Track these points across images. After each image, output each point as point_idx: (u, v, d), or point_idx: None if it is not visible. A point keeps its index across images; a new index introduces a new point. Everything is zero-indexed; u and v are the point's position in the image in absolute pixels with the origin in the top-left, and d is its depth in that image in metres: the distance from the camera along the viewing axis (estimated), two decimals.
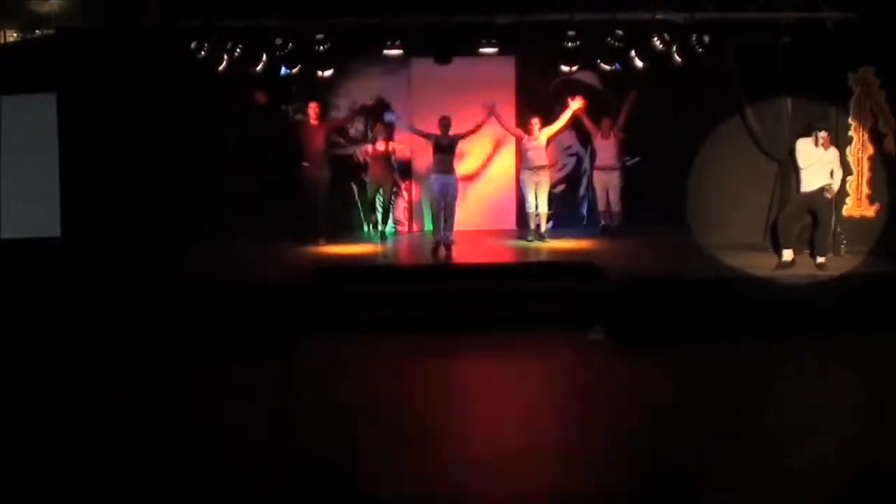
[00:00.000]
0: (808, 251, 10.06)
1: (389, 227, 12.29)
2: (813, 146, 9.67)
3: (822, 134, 9.64)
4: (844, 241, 10.48)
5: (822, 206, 9.80)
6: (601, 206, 12.13)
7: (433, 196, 11.00)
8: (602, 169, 12.09)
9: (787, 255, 9.75)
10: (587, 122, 12.06)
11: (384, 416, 6.91)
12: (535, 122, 11.42)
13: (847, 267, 9.78)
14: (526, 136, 11.48)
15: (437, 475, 5.76)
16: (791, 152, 10.05)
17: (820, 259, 9.73)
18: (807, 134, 9.82)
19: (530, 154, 11.45)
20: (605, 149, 12.05)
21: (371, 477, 5.48)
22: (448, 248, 10.67)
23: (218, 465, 5.95)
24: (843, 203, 10.58)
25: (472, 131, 11.00)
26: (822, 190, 9.70)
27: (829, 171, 9.68)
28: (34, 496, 5.53)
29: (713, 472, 5.41)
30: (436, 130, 10.90)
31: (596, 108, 12.35)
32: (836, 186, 9.74)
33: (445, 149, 10.85)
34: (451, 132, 10.87)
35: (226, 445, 6.31)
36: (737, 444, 6.29)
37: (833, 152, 9.73)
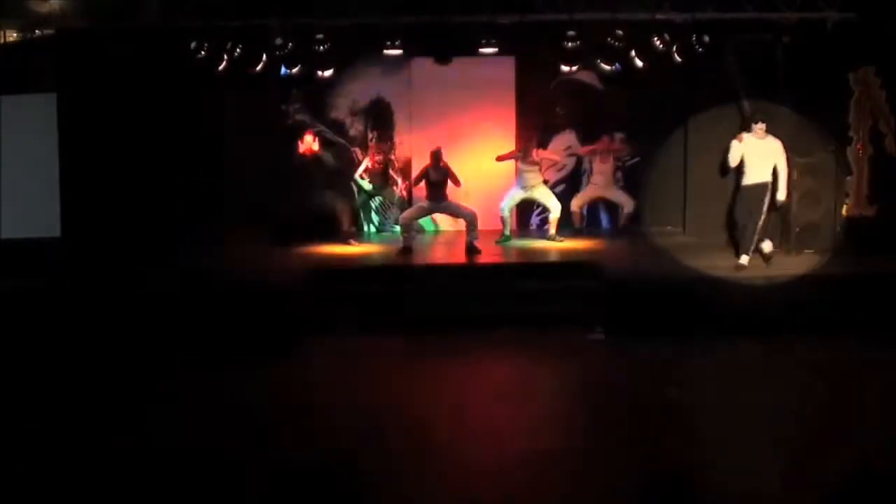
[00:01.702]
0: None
1: (394, 228, 12.35)
2: (749, 138, 9.57)
3: (760, 126, 9.54)
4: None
5: (757, 205, 9.63)
6: (574, 208, 12.02)
7: (426, 203, 11.19)
8: (596, 186, 12.06)
9: (744, 259, 9.69)
10: (584, 152, 12.14)
11: (384, 417, 6.91)
12: (534, 149, 11.43)
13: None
14: (522, 158, 11.47)
15: (438, 477, 5.77)
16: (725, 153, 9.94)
17: (743, 259, 9.61)
18: (747, 129, 9.75)
19: (527, 175, 11.47)
20: (603, 172, 11.95)
21: (373, 479, 5.48)
22: (474, 249, 10.70)
23: (218, 467, 5.95)
24: (843, 203, 10.58)
25: (456, 182, 11.06)
26: (761, 187, 9.58)
27: (769, 166, 9.55)
28: (35, 497, 5.54)
29: (713, 470, 5.42)
30: (429, 160, 10.98)
31: (596, 108, 12.39)
32: (782, 183, 9.56)
33: (436, 184, 10.98)
34: (442, 163, 10.93)
35: (224, 447, 6.32)
36: (735, 443, 6.31)
37: (772, 143, 9.57)
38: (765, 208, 9.65)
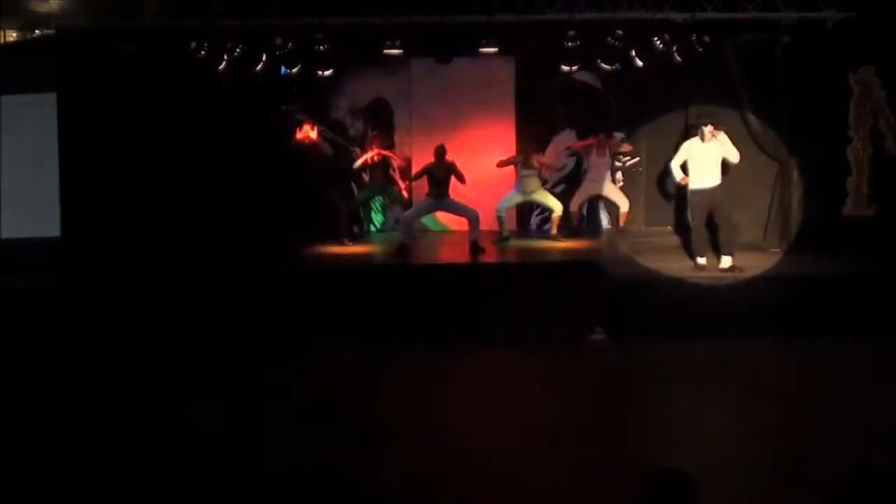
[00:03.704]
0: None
1: (396, 227, 12.35)
2: (697, 143, 9.54)
3: (708, 128, 9.49)
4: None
5: (718, 204, 9.62)
6: (573, 208, 11.94)
7: (426, 203, 11.16)
8: (594, 182, 12.00)
9: (702, 261, 9.67)
10: (578, 146, 12.11)
11: (383, 418, 6.91)
12: (534, 155, 11.46)
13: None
14: (522, 164, 11.47)
15: (436, 477, 5.76)
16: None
17: (726, 261, 9.59)
18: (693, 134, 9.72)
19: (526, 180, 11.47)
20: (599, 167, 11.81)
21: (369, 480, 5.48)
22: (477, 247, 10.67)
23: (217, 466, 5.95)
24: (844, 203, 10.58)
25: (462, 178, 11.01)
26: (715, 189, 9.55)
27: (717, 167, 9.49)
28: (35, 497, 5.53)
29: (711, 469, 5.42)
30: (430, 159, 10.95)
31: (596, 108, 12.37)
32: (734, 159, 9.49)
33: (440, 182, 10.93)
34: (447, 160, 10.88)
35: (224, 446, 6.31)
36: (735, 441, 6.31)
37: (717, 144, 9.49)
38: (730, 207, 9.70)
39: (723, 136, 9.55)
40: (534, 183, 11.50)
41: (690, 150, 9.62)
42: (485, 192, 11.87)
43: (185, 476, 5.76)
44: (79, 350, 8.47)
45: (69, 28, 10.16)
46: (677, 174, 9.68)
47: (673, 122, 11.63)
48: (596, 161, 11.83)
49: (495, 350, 8.78)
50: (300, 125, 11.52)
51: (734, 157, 9.51)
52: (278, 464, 5.70)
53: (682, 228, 10.72)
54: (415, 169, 11.81)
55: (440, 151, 10.88)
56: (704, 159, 9.54)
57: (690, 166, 9.64)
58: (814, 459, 5.80)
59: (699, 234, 9.75)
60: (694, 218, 9.81)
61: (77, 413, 7.11)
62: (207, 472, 5.82)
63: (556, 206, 11.52)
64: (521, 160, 11.48)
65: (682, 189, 10.19)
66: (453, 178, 10.96)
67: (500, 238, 11.52)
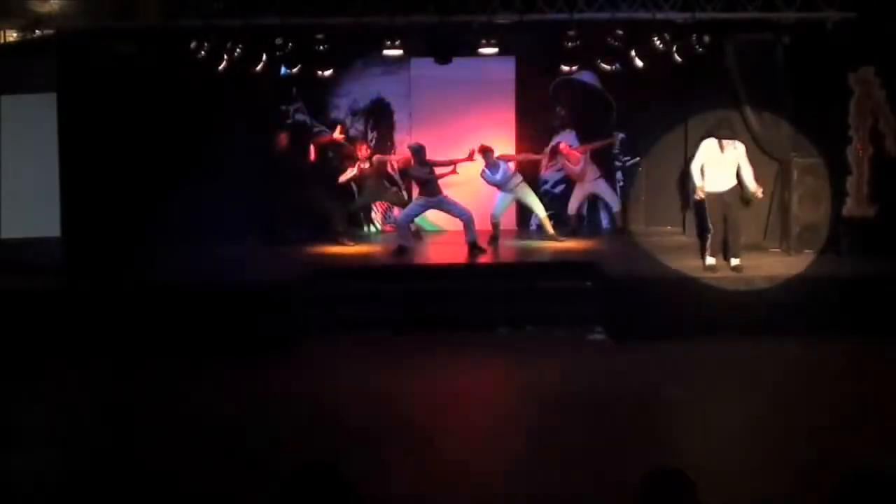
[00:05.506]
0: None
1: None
2: (716, 147, 9.50)
3: (727, 142, 9.46)
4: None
5: (732, 206, 9.60)
6: (571, 210, 12.03)
7: (418, 203, 11.18)
8: (586, 182, 12.05)
9: (712, 261, 9.63)
10: (567, 154, 12.16)
11: (383, 417, 6.91)
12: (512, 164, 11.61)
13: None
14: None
15: (436, 476, 5.77)
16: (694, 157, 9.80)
17: (734, 261, 9.58)
18: (712, 134, 9.67)
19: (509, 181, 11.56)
20: (581, 168, 11.98)
21: (367, 479, 5.48)
22: (476, 248, 10.71)
23: (215, 466, 5.95)
24: (843, 203, 10.57)
25: (449, 166, 10.99)
26: (730, 191, 9.52)
27: (733, 171, 9.46)
28: (35, 497, 5.54)
29: (711, 469, 5.42)
30: (431, 158, 10.95)
31: (596, 108, 12.39)
32: (750, 183, 9.48)
33: (425, 182, 10.91)
34: (427, 158, 10.86)
35: (223, 446, 6.32)
36: (732, 443, 6.31)
37: (734, 151, 9.46)
38: (740, 208, 9.67)
39: (741, 148, 9.52)
40: (523, 189, 11.49)
41: (709, 154, 9.55)
42: (484, 192, 11.88)
43: (183, 476, 5.76)
44: (79, 350, 8.46)
45: (69, 28, 10.15)
46: (697, 180, 9.59)
47: (673, 123, 11.63)
48: (574, 168, 11.98)
49: (495, 350, 8.78)
50: (330, 133, 11.51)
51: (746, 171, 9.46)
52: (276, 463, 5.71)
53: (700, 229, 10.59)
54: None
55: (415, 151, 10.85)
56: (721, 163, 9.48)
57: (707, 169, 9.58)
58: (813, 460, 5.80)
59: (717, 235, 9.66)
60: (714, 220, 9.72)
61: (76, 413, 7.12)
62: (205, 473, 5.82)
63: (539, 209, 11.52)
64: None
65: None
66: (449, 172, 10.92)
67: (492, 238, 11.52)
